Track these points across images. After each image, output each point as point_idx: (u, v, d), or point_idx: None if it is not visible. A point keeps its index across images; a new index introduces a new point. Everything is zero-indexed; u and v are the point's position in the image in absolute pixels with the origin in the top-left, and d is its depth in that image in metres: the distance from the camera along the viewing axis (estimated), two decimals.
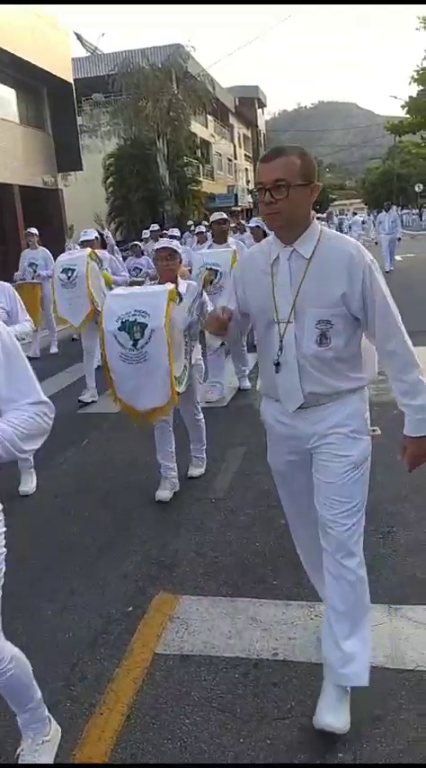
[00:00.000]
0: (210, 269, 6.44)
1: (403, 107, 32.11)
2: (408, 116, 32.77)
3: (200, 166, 35.23)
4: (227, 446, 5.32)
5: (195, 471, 4.80)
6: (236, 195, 44.08)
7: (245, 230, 13.60)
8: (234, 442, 5.42)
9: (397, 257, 19.89)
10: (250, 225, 10.08)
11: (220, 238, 7.28)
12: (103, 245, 8.62)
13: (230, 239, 7.47)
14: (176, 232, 12.76)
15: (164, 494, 4.38)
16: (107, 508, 4.37)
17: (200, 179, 32.98)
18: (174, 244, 4.51)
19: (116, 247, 10.89)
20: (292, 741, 2.27)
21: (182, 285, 4.38)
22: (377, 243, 19.43)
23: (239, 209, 43.49)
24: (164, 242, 4.67)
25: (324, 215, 30.78)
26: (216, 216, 7.43)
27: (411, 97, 31.53)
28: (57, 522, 4.25)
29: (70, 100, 23.21)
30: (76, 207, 23.33)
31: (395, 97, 34.43)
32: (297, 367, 2.24)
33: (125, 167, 26.31)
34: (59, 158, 23.03)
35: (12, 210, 19.19)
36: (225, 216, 7.45)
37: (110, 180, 26.94)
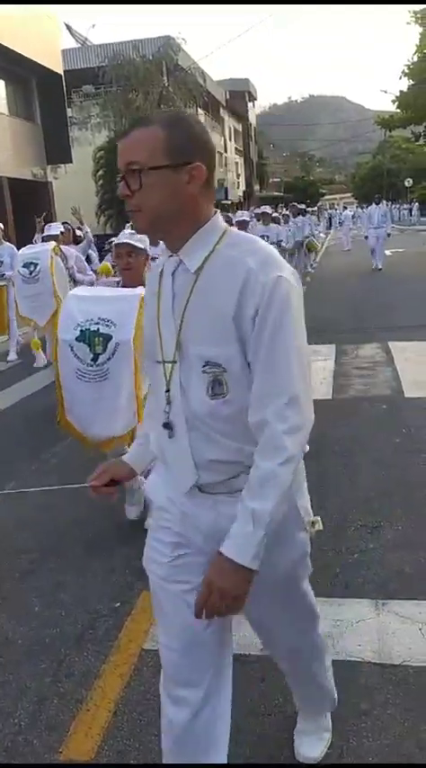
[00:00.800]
0: None
1: (393, 102, 32.22)
2: (398, 111, 32.89)
3: None
4: None
5: None
6: (226, 189, 44.00)
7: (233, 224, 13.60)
8: None
9: (387, 252, 19.30)
10: (236, 219, 9.77)
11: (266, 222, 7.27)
12: (76, 241, 8.32)
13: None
14: None
15: (132, 510, 3.99)
16: (94, 502, 4.34)
17: None
18: (137, 238, 3.62)
19: (93, 244, 10.49)
20: (279, 736, 2.27)
21: None
22: (366, 237, 18.19)
23: (229, 202, 43.40)
24: (123, 236, 3.79)
25: (315, 208, 30.45)
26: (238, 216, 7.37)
27: (401, 92, 31.64)
28: (44, 517, 4.23)
29: (60, 91, 23.05)
30: (66, 200, 23.16)
31: (386, 92, 34.52)
32: (185, 429, 1.59)
33: (115, 160, 25.90)
34: (49, 150, 22.89)
35: (0, 203, 19.05)
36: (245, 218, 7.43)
37: (100, 173, 26.79)
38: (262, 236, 10.41)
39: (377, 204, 18.24)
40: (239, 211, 12.03)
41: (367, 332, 9.02)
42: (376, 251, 17.57)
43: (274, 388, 1.48)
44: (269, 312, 1.46)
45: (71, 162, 24.36)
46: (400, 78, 30.77)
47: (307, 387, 1.56)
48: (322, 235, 27.15)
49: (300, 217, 17.43)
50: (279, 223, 12.92)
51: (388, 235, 18.39)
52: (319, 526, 1.85)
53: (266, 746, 2.25)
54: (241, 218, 9.28)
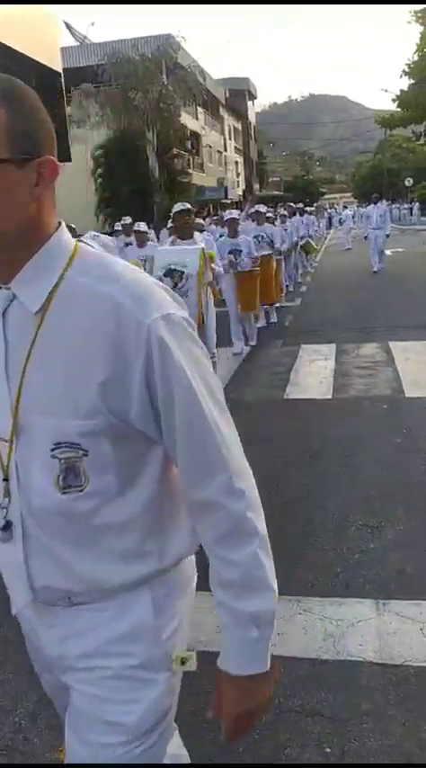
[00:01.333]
0: (174, 270, 5.73)
1: (393, 101, 32.19)
2: (399, 110, 32.86)
3: (190, 158, 35.10)
4: None
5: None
6: (226, 188, 43.98)
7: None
8: None
9: (387, 252, 18.84)
10: (226, 217, 9.33)
11: (185, 233, 6.28)
12: None
13: (198, 235, 6.63)
14: (143, 226, 9.93)
15: None
16: None
17: (190, 171, 32.86)
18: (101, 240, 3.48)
19: None
20: (279, 736, 2.26)
21: None
22: (366, 237, 17.51)
23: (229, 201, 43.37)
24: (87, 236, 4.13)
25: (313, 208, 30.09)
26: (178, 206, 6.36)
27: (402, 91, 31.60)
28: None
29: (58, 89, 22.98)
30: (64, 199, 23.16)
31: (386, 91, 34.49)
32: (21, 532, 1.15)
33: (114, 159, 26.16)
34: None
35: None
36: (188, 206, 6.44)
37: (99, 171, 26.77)
38: (256, 237, 9.98)
39: (376, 204, 17.33)
40: (229, 210, 11.18)
41: (367, 331, 9.02)
42: (374, 252, 16.87)
43: (210, 467, 1.15)
44: (168, 374, 1.06)
45: (70, 160, 24.23)
46: (400, 77, 30.70)
47: (239, 444, 1.27)
48: (319, 235, 26.53)
49: (296, 216, 16.90)
50: (273, 223, 12.05)
51: (387, 236, 17.38)
52: (191, 665, 1.38)
53: (266, 746, 2.24)
54: (229, 216, 8.83)
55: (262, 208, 10.67)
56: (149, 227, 11.13)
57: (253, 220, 11.31)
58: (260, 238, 9.97)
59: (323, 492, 4.15)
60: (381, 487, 4.14)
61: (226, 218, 9.29)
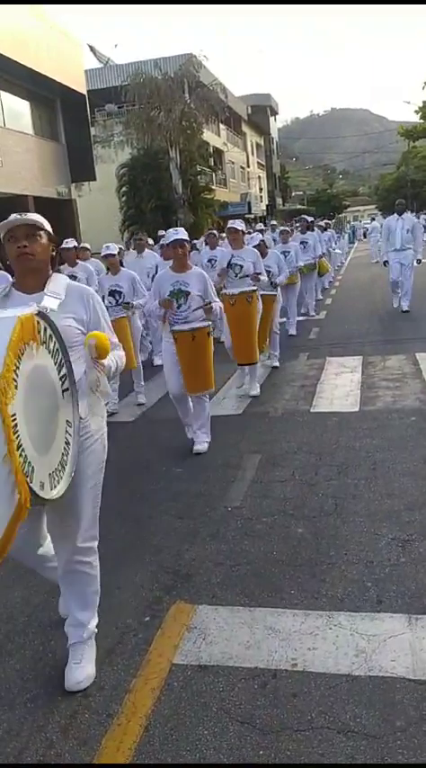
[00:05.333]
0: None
1: (416, 112, 32.16)
2: (422, 121, 32.81)
3: (213, 175, 35.34)
4: (243, 454, 5.29)
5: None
6: (249, 203, 44.15)
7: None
8: (249, 449, 5.40)
9: None
10: (252, 243, 7.87)
11: (179, 266, 5.35)
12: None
13: (194, 268, 5.48)
14: (112, 248, 7.78)
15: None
16: (121, 517, 4.36)
17: (213, 187, 33.07)
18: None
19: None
20: (312, 753, 2.24)
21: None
22: (385, 263, 12.05)
23: (252, 216, 43.54)
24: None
25: (331, 222, 29.28)
26: (172, 235, 5.34)
27: (424, 102, 31.56)
28: None
29: (83, 111, 23.38)
30: (90, 217, 23.49)
31: (409, 102, 34.42)
32: None
33: (138, 177, 26.44)
34: (73, 169, 23.20)
35: None
36: (183, 237, 5.29)
37: (123, 189, 27.10)
38: (209, 261, 9.24)
39: (400, 215, 11.64)
40: (232, 220, 7.98)
41: (394, 343, 8.96)
42: (401, 284, 11.80)
43: None
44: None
45: (95, 179, 24.68)
46: (423, 89, 30.71)
47: None
48: (338, 251, 23.21)
49: (310, 233, 12.98)
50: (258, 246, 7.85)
51: (419, 261, 11.97)
52: None
53: (298, 763, 2.21)
54: (232, 225, 7.09)
55: (240, 224, 7.27)
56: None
57: (206, 244, 10.82)
58: (210, 264, 9.13)
59: (352, 506, 4.11)
60: (410, 500, 4.09)
61: (227, 227, 7.59)
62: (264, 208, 54.89)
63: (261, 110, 56.74)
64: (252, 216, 43.80)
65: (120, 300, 6.94)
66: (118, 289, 6.96)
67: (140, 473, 5.17)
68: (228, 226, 7.22)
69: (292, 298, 10.68)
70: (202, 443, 5.45)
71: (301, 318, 11.77)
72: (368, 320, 11.62)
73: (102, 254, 7.36)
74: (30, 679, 2.80)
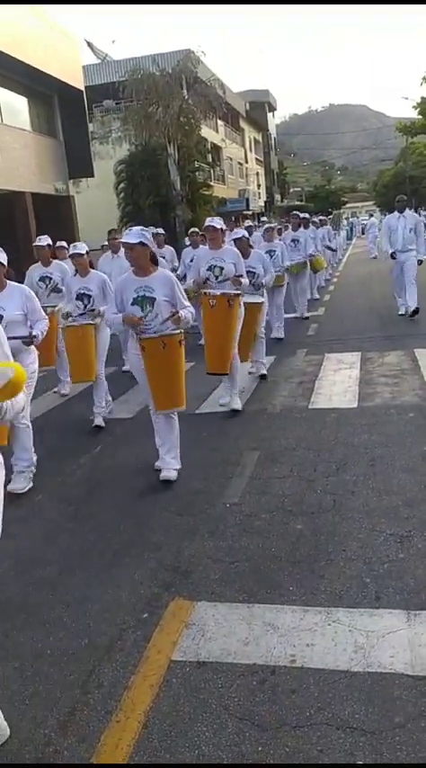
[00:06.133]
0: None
1: (414, 108, 32.14)
2: (420, 117, 32.80)
3: (211, 171, 35.26)
4: (241, 450, 5.29)
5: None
6: (248, 199, 44.08)
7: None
8: (248, 446, 5.40)
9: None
10: (233, 236, 7.14)
11: (140, 270, 4.68)
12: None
13: (158, 270, 4.75)
14: (80, 248, 6.78)
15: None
16: (121, 514, 4.36)
17: (212, 183, 33.00)
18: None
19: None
20: (311, 749, 2.24)
21: None
22: (393, 256, 10.55)
23: (250, 212, 43.49)
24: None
25: (328, 218, 29.02)
26: (125, 236, 4.63)
27: (423, 98, 31.54)
28: (71, 529, 4.24)
29: (81, 107, 23.32)
30: (88, 213, 23.44)
31: (407, 98, 34.44)
32: None
33: (136, 173, 26.38)
34: (71, 165, 23.15)
35: (24, 218, 19.29)
36: (134, 240, 4.52)
37: (121, 186, 27.04)
38: (191, 261, 8.51)
39: (401, 212, 10.48)
40: (237, 228, 8.15)
41: (392, 339, 8.96)
42: (404, 286, 10.61)
43: None
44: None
45: (93, 176, 24.62)
46: (421, 84, 30.68)
47: None
48: (333, 248, 20.55)
49: (302, 230, 12.46)
50: (244, 245, 7.20)
51: (420, 262, 10.51)
52: None
53: (297, 759, 2.21)
54: (210, 223, 6.32)
55: (218, 221, 6.43)
56: (170, 241, 10.74)
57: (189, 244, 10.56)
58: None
59: (351, 502, 4.11)
60: (409, 496, 4.09)
61: (235, 237, 7.09)
62: (262, 204, 54.79)
63: (260, 106, 56.61)
64: (251, 212, 43.72)
65: (89, 305, 6.40)
66: (87, 292, 6.40)
67: (139, 470, 5.17)
68: (206, 224, 6.38)
69: (278, 299, 10.03)
70: (170, 470, 4.76)
71: (290, 316, 11.27)
72: (366, 316, 11.62)
73: (69, 254, 6.74)
74: (28, 676, 2.79)
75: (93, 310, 6.36)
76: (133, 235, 4.56)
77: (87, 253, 6.58)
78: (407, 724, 2.29)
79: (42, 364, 7.67)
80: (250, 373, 7.35)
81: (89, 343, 6.27)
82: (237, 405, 6.38)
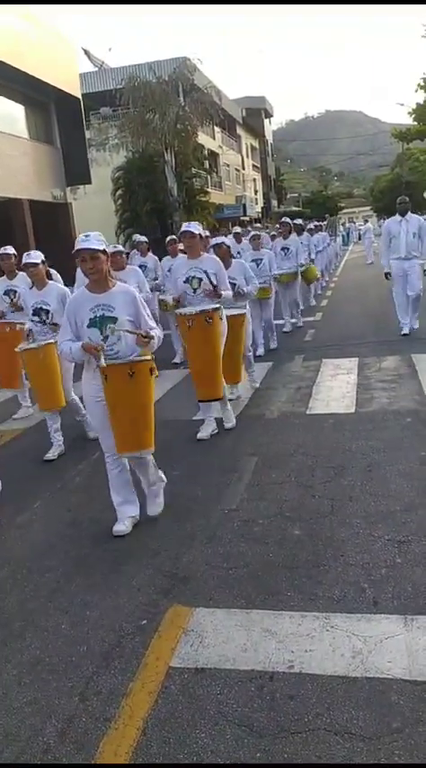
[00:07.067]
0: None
1: (410, 114, 32.28)
2: (415, 123, 32.93)
3: (208, 177, 35.37)
4: (239, 456, 5.30)
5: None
6: (245, 205, 44.20)
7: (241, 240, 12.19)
8: (245, 451, 5.40)
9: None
10: (213, 242, 6.65)
11: (94, 285, 3.95)
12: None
13: (118, 285, 4.03)
14: (34, 256, 6.01)
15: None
16: None
17: (209, 190, 33.12)
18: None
19: None
20: (309, 755, 2.24)
21: None
22: (387, 275, 9.59)
23: (248, 218, 43.60)
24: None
25: (322, 223, 28.73)
26: (87, 242, 3.79)
27: (418, 104, 31.68)
28: (69, 536, 4.24)
29: (78, 114, 23.42)
30: (86, 220, 23.51)
31: (402, 105, 34.53)
32: None
33: (133, 180, 26.49)
34: (68, 172, 23.23)
35: (22, 225, 19.33)
36: (93, 246, 3.78)
37: (118, 192, 27.13)
38: (169, 270, 7.90)
39: (403, 216, 9.31)
40: (219, 236, 7.54)
41: (389, 345, 8.97)
42: (410, 301, 9.45)
43: None
44: None
45: (90, 183, 24.71)
46: (416, 91, 30.82)
47: None
48: (325, 251, 18.78)
49: (294, 237, 11.57)
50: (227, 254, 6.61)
51: (425, 271, 9.47)
52: None
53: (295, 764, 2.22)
54: (187, 229, 5.64)
55: (195, 227, 5.71)
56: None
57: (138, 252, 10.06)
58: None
59: (348, 507, 4.12)
60: (406, 501, 4.10)
61: (214, 242, 6.61)
62: (259, 210, 54.93)
63: (256, 112, 56.83)
64: (248, 218, 43.84)
65: (49, 320, 5.68)
66: (44, 306, 5.70)
67: (136, 476, 5.16)
68: (182, 229, 5.70)
69: (266, 313, 9.35)
70: (154, 506, 4.28)
71: (280, 322, 10.81)
72: (363, 322, 11.64)
73: (23, 263, 5.92)
74: (26, 683, 2.79)
75: (55, 324, 5.52)
76: (94, 240, 3.80)
77: (43, 262, 5.85)
78: (405, 729, 2.30)
79: (6, 386, 7.38)
80: (230, 400, 6.26)
81: (53, 364, 5.53)
82: (232, 422, 5.98)
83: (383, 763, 2.18)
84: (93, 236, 3.84)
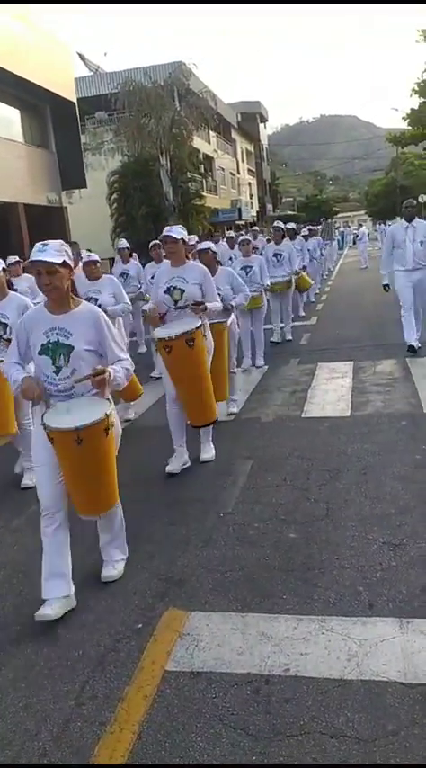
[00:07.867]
0: None
1: (404, 119, 32.47)
2: (409, 128, 33.13)
3: (204, 182, 35.43)
4: (234, 460, 5.30)
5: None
6: (240, 209, 44.26)
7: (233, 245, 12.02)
8: (240, 455, 5.41)
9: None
10: (199, 247, 6.19)
11: (53, 304, 3.34)
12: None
13: (82, 304, 3.43)
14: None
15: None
16: None
17: (204, 194, 33.14)
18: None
19: None
20: (305, 758, 2.24)
21: None
22: (386, 288, 9.07)
23: (243, 222, 43.67)
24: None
25: (318, 227, 28.42)
26: (44, 253, 3.17)
27: (412, 109, 31.88)
28: None
29: (73, 119, 23.42)
30: (81, 224, 23.51)
31: (397, 109, 34.74)
32: None
33: (129, 184, 26.49)
34: (63, 176, 23.22)
35: (17, 229, 19.32)
36: (46, 258, 3.14)
37: (114, 197, 27.14)
38: (152, 278, 6.43)
39: (410, 221, 8.41)
40: (205, 241, 6.92)
41: (384, 348, 9.00)
42: (416, 314, 8.57)
43: None
44: None
45: (85, 187, 24.71)
46: (410, 96, 31.00)
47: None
48: (320, 257, 18.60)
49: (287, 243, 10.93)
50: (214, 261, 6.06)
51: None
52: None
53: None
54: (168, 233, 5.01)
55: (177, 232, 5.11)
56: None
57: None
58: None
59: (344, 510, 4.13)
60: (401, 504, 4.11)
61: (200, 248, 6.09)
62: (255, 214, 55.02)
63: (251, 117, 56.97)
64: (243, 222, 43.90)
65: (4, 335, 5.02)
66: (2, 319, 5.06)
67: (131, 480, 5.16)
68: (163, 233, 5.06)
69: (256, 324, 8.85)
70: (111, 567, 3.64)
71: (269, 327, 10.12)
72: (358, 325, 11.67)
73: None
74: (22, 688, 2.79)
75: (9, 340, 4.57)
76: (51, 251, 3.16)
77: (4, 270, 5.26)
78: (400, 731, 2.30)
79: None
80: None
81: (1, 384, 4.67)
82: (210, 453, 5.37)
83: (379, 763, 2.18)
84: (52, 245, 3.18)
